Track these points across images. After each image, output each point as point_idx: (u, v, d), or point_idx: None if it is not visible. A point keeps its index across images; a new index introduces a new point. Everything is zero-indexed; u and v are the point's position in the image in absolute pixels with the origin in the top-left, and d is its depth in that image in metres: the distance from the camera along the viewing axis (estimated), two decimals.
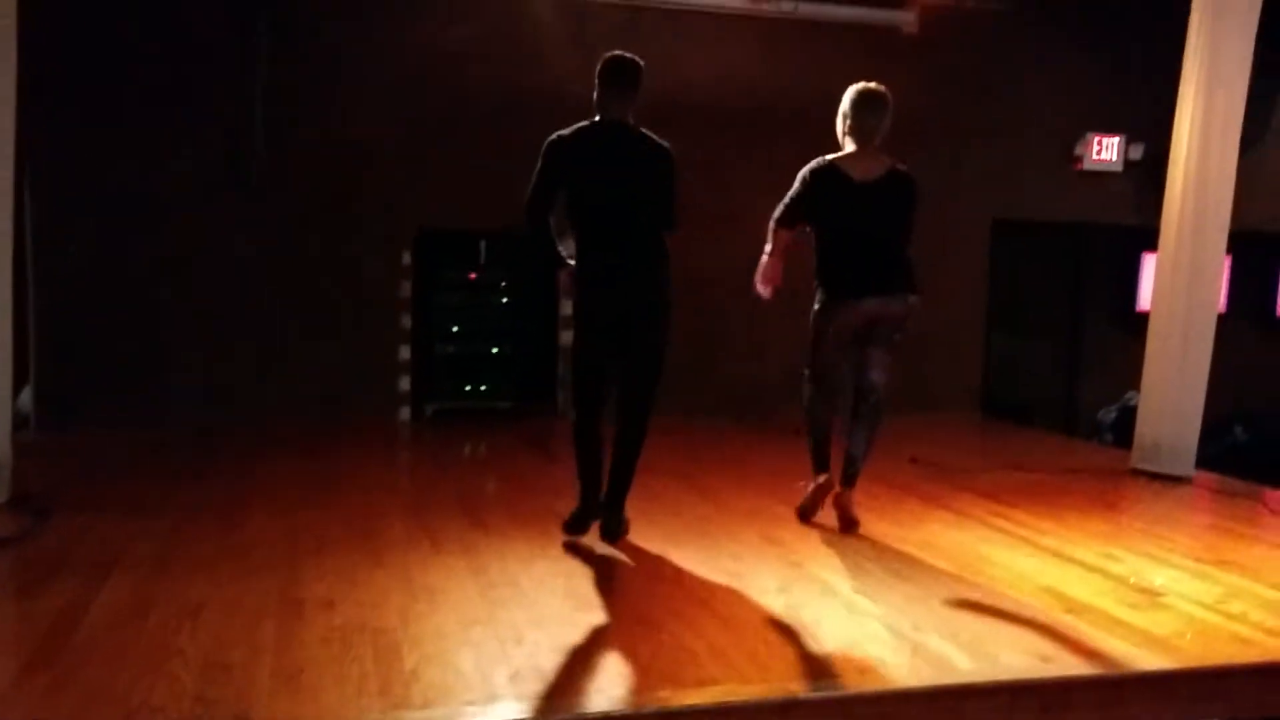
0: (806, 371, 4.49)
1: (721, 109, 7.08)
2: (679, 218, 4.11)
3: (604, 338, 4.07)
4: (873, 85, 4.33)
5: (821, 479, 4.45)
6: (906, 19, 7.43)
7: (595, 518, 4.12)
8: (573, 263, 4.05)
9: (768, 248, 4.40)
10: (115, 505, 4.52)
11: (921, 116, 7.42)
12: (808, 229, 4.36)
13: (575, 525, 4.11)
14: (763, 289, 4.42)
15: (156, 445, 5.86)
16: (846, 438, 4.38)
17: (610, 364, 4.10)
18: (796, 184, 4.34)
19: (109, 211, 6.28)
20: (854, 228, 4.28)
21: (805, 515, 4.49)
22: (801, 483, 4.55)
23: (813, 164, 4.33)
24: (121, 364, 6.32)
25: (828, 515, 4.45)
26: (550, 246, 4.05)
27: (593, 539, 4.09)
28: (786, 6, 7.15)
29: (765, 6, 7.14)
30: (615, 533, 4.10)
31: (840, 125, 4.37)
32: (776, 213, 4.38)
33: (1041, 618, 3.39)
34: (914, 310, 4.32)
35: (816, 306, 4.39)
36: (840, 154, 4.33)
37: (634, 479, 4.14)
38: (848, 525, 4.35)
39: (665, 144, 4.06)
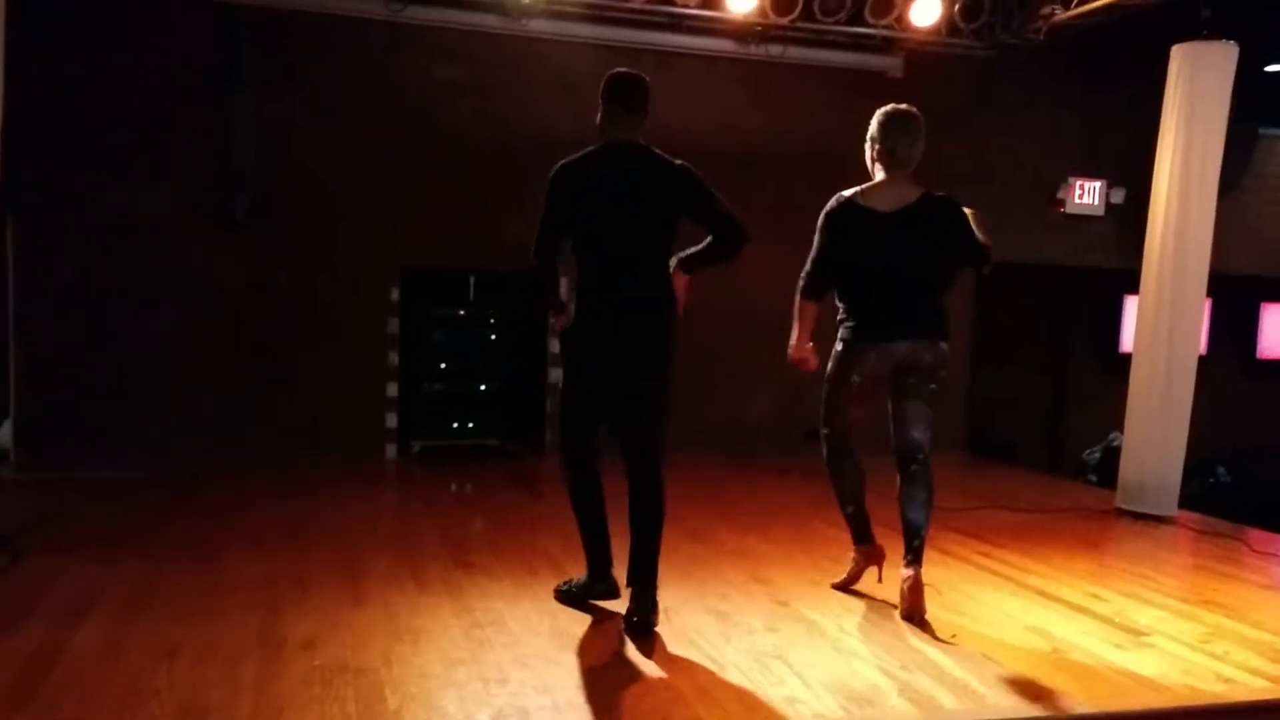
0: (824, 431, 4.03)
1: (710, 151, 7.05)
2: (741, 226, 3.62)
3: (600, 386, 3.64)
4: (904, 106, 3.90)
5: (864, 550, 4.11)
6: (893, 63, 7.54)
7: (607, 592, 3.78)
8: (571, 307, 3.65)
9: (796, 326, 3.99)
10: (92, 544, 4.47)
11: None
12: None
13: (576, 599, 3.79)
14: (804, 365, 4.02)
15: (136, 483, 5.80)
16: (900, 508, 3.81)
17: (604, 413, 3.71)
18: (816, 238, 3.92)
19: (91, 245, 6.24)
20: (883, 264, 3.81)
21: (844, 588, 4.13)
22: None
23: (830, 204, 3.91)
24: (102, 401, 6.27)
25: (810, 552, 4.44)
26: (553, 288, 3.68)
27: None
28: (775, 50, 7.25)
29: (754, 50, 7.24)
30: (646, 621, 3.51)
31: (869, 151, 3.93)
32: (803, 279, 3.98)
33: (1028, 657, 3.39)
34: (946, 359, 3.86)
35: (837, 348, 3.94)
36: (864, 185, 3.89)
37: (660, 550, 3.59)
38: (915, 613, 3.71)
39: (681, 162, 3.65)
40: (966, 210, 3.90)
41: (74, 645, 3.22)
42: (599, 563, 3.81)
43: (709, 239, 3.67)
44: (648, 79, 3.71)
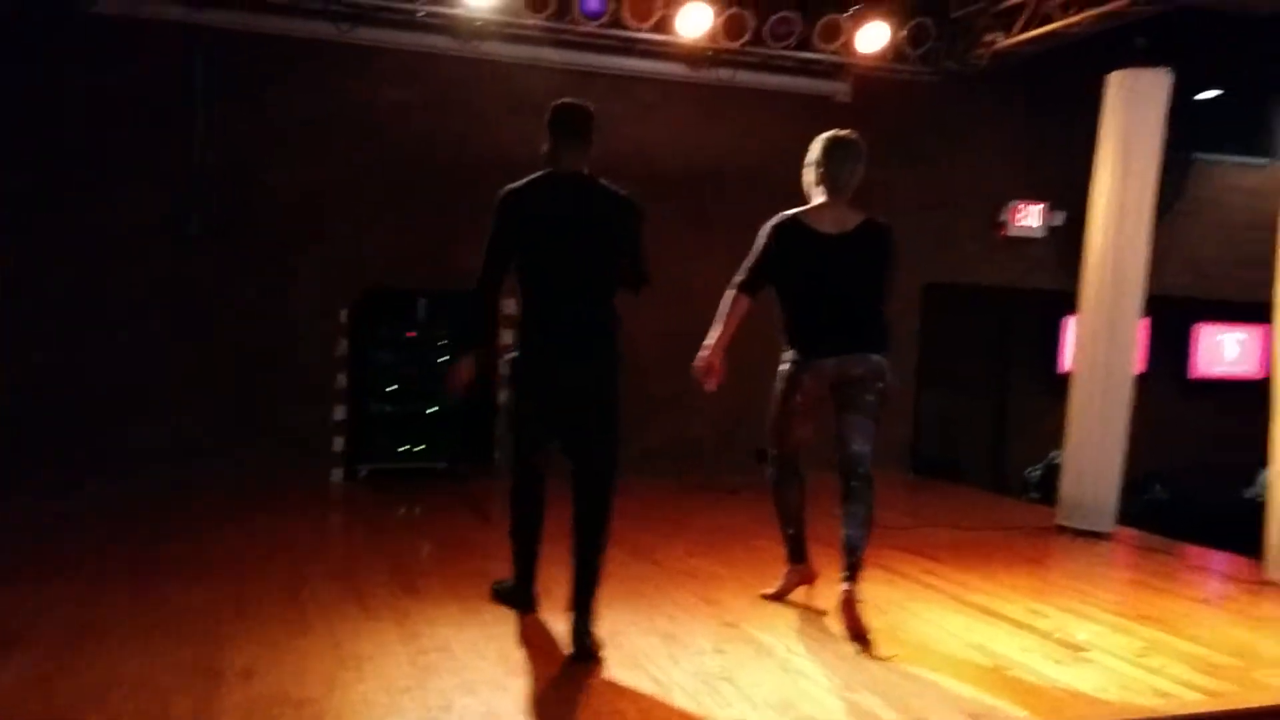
0: (772, 452, 4.12)
1: (660, 173, 7.21)
2: (648, 273, 3.72)
3: (549, 412, 3.66)
4: (845, 132, 3.99)
5: (798, 569, 4.22)
6: (841, 89, 7.67)
7: (530, 601, 3.90)
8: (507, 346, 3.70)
9: (721, 323, 3.98)
10: (23, 574, 4.31)
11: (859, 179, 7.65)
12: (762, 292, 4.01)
13: (509, 600, 3.93)
14: (707, 382, 4.00)
15: (73, 511, 5.63)
16: (841, 524, 3.83)
17: (552, 436, 3.73)
18: (759, 242, 3.97)
19: (41, 266, 6.13)
20: (821, 284, 3.90)
21: (776, 599, 4.23)
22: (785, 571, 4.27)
23: (775, 219, 3.96)
24: (40, 425, 6.12)
25: (758, 572, 4.46)
26: (489, 321, 3.72)
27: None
28: (725, 74, 7.34)
29: (705, 74, 7.32)
30: (587, 650, 3.50)
31: (808, 175, 4.02)
32: (737, 276, 3.99)
33: (971, 674, 3.43)
34: (881, 371, 3.88)
35: (782, 368, 4.03)
36: (806, 207, 3.98)
37: (600, 580, 3.61)
38: (857, 634, 3.70)
39: (627, 194, 3.69)
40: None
41: (1, 682, 3.12)
42: (525, 574, 3.89)
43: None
44: (593, 108, 3.73)
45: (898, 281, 4.05)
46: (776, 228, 3.95)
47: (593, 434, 3.64)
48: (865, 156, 3.98)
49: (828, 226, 3.91)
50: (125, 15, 6.17)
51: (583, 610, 3.56)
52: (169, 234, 6.36)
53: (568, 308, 3.61)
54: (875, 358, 3.89)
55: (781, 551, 4.29)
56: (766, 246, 3.96)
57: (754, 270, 3.97)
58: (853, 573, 3.77)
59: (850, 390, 3.87)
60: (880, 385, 3.90)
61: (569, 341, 3.59)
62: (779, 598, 4.25)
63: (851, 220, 3.93)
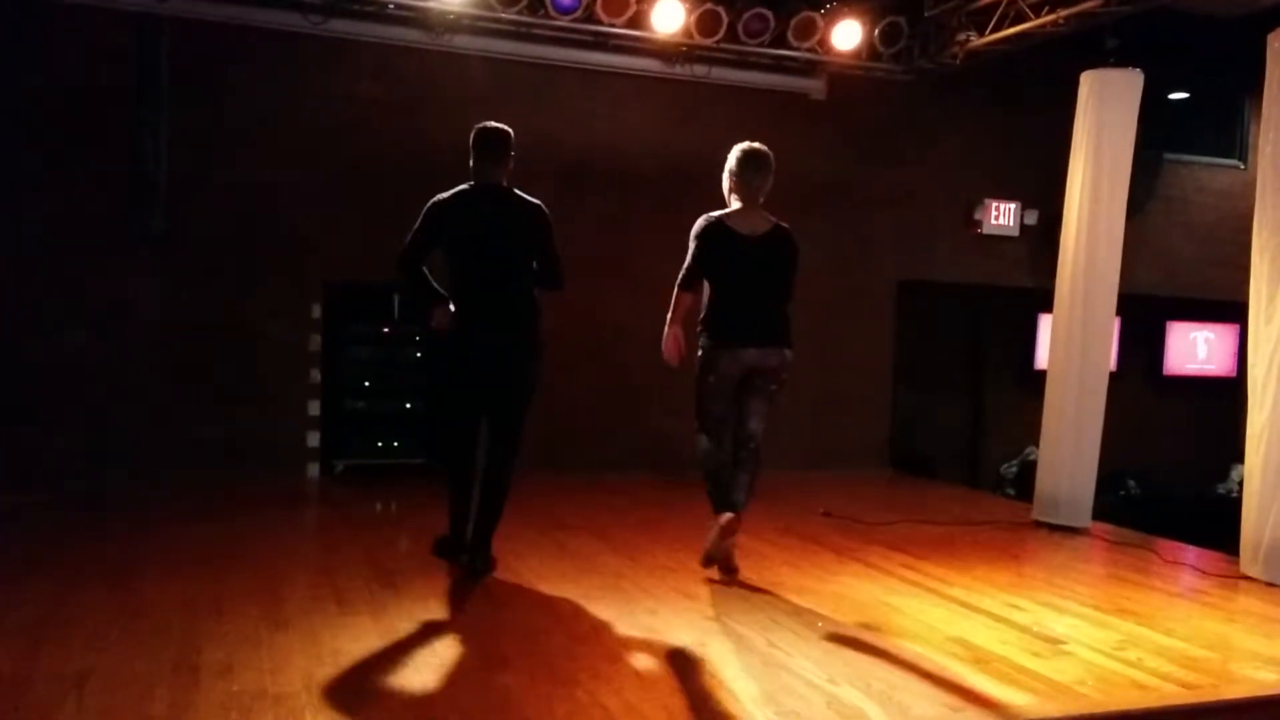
0: (697, 424, 4.53)
1: (634, 169, 7.20)
2: (562, 274, 4.40)
3: (478, 375, 4.30)
4: (756, 145, 4.45)
5: (724, 519, 4.38)
6: (815, 86, 7.69)
7: (458, 554, 4.40)
8: (447, 296, 4.30)
9: (670, 314, 4.48)
10: None
11: (830, 180, 7.68)
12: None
13: (445, 551, 4.45)
14: (670, 359, 4.50)
15: (43, 507, 5.55)
16: (729, 487, 4.40)
17: (482, 404, 4.35)
18: (692, 244, 4.44)
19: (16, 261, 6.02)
20: (740, 281, 4.38)
21: (711, 561, 4.43)
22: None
23: (701, 221, 4.43)
24: (8, 421, 6.01)
25: (741, 568, 4.47)
26: (424, 283, 4.32)
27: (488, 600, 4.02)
28: (699, 70, 7.34)
29: (680, 70, 7.31)
30: (484, 569, 4.29)
31: (726, 183, 4.49)
32: (679, 277, 4.47)
33: (950, 668, 3.45)
34: (788, 364, 4.42)
35: (700, 354, 4.45)
36: (727, 210, 4.45)
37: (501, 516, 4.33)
38: (726, 567, 4.40)
39: (537, 202, 4.33)
40: None
41: None
42: (457, 523, 4.42)
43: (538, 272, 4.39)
44: (509, 130, 4.37)
45: (795, 286, 4.50)
46: (704, 230, 4.41)
47: (507, 408, 4.33)
48: (773, 168, 4.42)
49: (745, 229, 4.38)
50: (85, 2, 6.04)
51: (483, 539, 4.31)
52: (133, 227, 6.23)
53: (488, 298, 4.27)
54: (787, 352, 4.42)
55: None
56: (698, 248, 4.42)
57: (690, 270, 4.45)
58: (735, 507, 4.31)
59: (760, 379, 4.40)
60: (784, 376, 4.45)
61: (488, 324, 4.26)
62: (713, 561, 4.43)
63: (763, 225, 4.41)
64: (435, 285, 4.33)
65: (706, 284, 4.46)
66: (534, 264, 4.35)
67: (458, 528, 4.42)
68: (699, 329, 4.46)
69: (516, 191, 4.35)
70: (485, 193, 4.31)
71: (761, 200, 4.44)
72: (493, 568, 4.33)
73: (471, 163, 4.35)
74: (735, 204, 4.45)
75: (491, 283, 4.28)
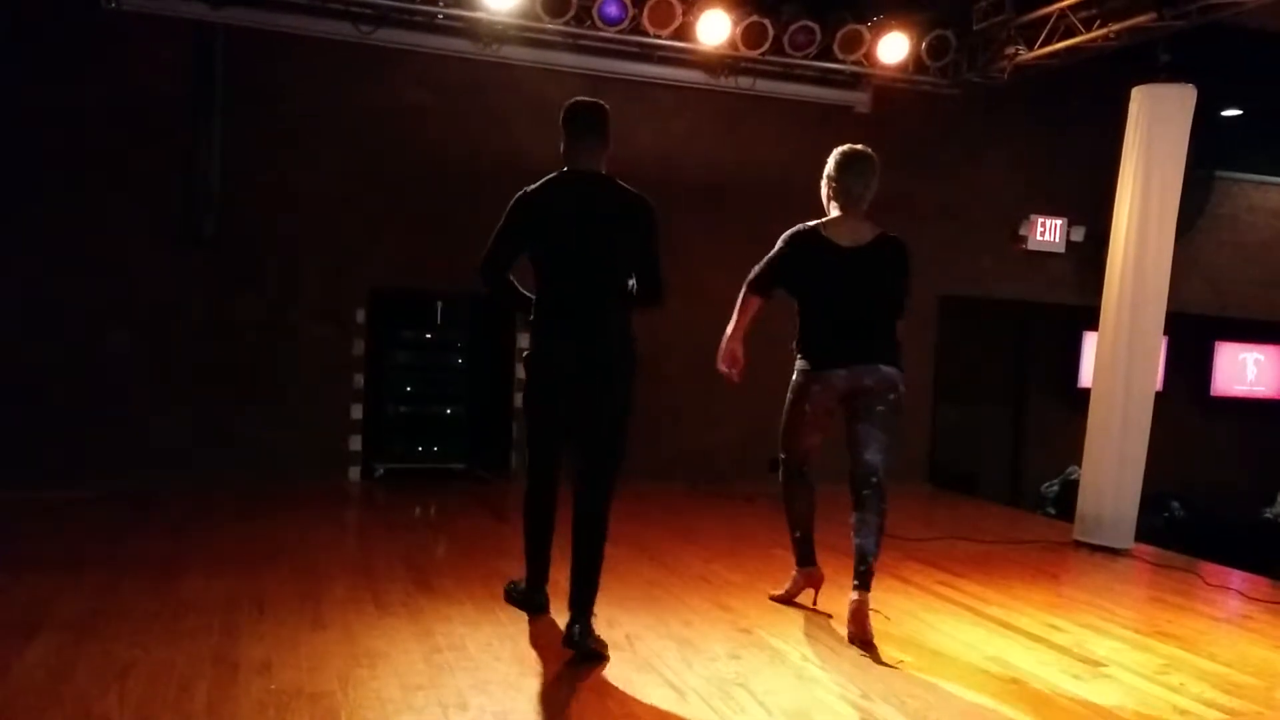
0: (782, 456, 4.18)
1: (679, 181, 7.21)
2: (664, 286, 3.63)
3: (559, 398, 3.60)
4: (860, 147, 4.07)
5: (806, 573, 4.23)
6: (860, 99, 7.66)
7: (542, 603, 3.89)
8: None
9: (734, 318, 4.09)
10: (42, 564, 4.35)
11: (875, 193, 7.63)
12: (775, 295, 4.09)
13: (519, 603, 3.94)
14: (727, 371, 4.12)
15: (93, 504, 5.68)
16: (853, 533, 3.86)
17: (565, 432, 3.67)
18: (777, 247, 4.05)
19: (50, 262, 6.16)
20: (835, 296, 3.97)
21: (784, 601, 4.28)
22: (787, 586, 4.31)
23: (795, 228, 4.03)
24: (59, 419, 6.15)
25: (776, 581, 4.45)
26: (512, 292, 3.71)
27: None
28: (745, 82, 7.34)
29: (724, 82, 7.33)
30: (585, 649, 3.43)
31: (825, 189, 4.09)
32: (751, 274, 4.08)
33: (988, 686, 3.41)
34: (891, 381, 3.92)
35: (795, 378, 4.07)
36: (824, 219, 4.05)
37: (599, 582, 3.54)
38: (860, 638, 3.74)
39: (643, 196, 3.61)
40: None
41: (21, 665, 3.15)
42: (535, 578, 3.88)
43: (634, 285, 3.64)
44: (607, 106, 3.70)
45: (911, 295, 4.10)
46: (793, 236, 4.04)
47: (596, 436, 3.58)
48: (879, 171, 4.05)
49: (844, 239, 3.98)
50: (143, 12, 6.18)
51: (581, 610, 3.48)
52: (183, 232, 6.37)
53: (574, 306, 3.55)
54: (886, 369, 3.93)
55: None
56: (781, 252, 4.05)
57: (765, 271, 4.07)
58: (863, 581, 3.80)
59: (861, 401, 3.92)
60: (893, 396, 3.94)
61: (571, 337, 3.53)
62: (786, 600, 4.30)
63: (866, 234, 4.00)
64: (525, 293, 3.69)
65: (798, 300, 4.03)
66: (631, 270, 3.61)
67: (531, 575, 3.87)
68: (794, 349, 4.07)
69: (618, 181, 3.61)
70: (582, 181, 3.58)
71: (865, 208, 4.02)
72: (603, 650, 3.47)
73: (562, 146, 3.62)
74: (834, 212, 4.04)
75: (579, 288, 3.54)
